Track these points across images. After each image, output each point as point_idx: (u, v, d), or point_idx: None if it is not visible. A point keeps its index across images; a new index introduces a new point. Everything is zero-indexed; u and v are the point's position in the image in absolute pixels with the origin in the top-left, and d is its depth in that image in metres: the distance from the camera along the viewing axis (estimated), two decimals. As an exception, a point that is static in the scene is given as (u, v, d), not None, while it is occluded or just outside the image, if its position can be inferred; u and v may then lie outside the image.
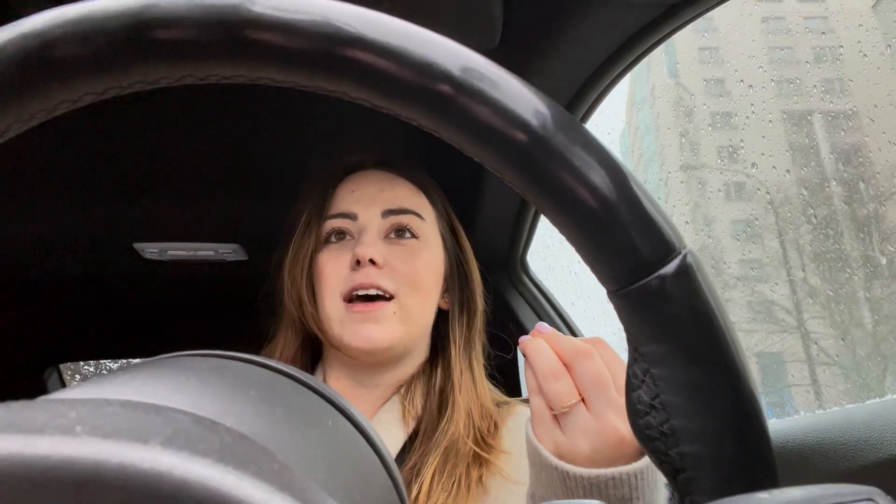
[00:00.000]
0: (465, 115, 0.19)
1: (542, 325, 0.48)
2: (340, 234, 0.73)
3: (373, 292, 0.69)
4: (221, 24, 0.18)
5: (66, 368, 1.74)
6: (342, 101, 0.20)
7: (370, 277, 0.68)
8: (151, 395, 0.17)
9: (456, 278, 0.77)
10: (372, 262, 0.69)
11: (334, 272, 0.70)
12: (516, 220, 1.12)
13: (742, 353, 0.19)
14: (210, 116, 0.92)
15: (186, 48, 0.19)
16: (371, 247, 0.69)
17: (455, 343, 0.74)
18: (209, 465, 0.11)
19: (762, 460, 0.19)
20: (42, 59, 0.18)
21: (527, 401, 0.75)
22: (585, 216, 0.19)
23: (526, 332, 1.28)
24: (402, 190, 0.76)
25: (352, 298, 0.69)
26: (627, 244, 0.19)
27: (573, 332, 1.20)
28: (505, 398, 0.75)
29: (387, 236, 0.73)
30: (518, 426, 0.70)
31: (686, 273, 0.19)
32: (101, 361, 1.81)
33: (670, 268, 0.19)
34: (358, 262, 0.69)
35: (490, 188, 1.04)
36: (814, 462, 0.66)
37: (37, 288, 1.37)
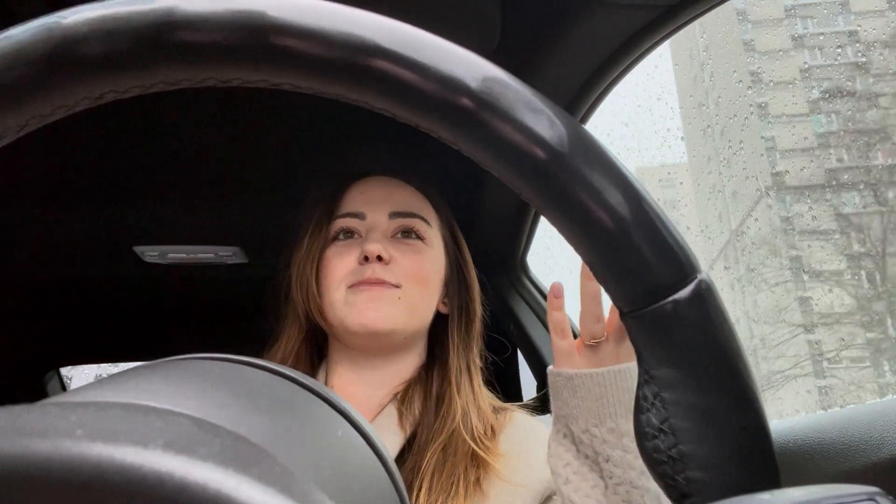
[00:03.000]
0: (485, 131, 0.19)
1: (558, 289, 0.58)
2: (349, 233, 0.76)
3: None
4: (247, 29, 0.18)
5: (67, 372, 1.74)
6: (342, 106, 0.20)
7: (376, 273, 0.71)
8: (152, 398, 0.17)
9: (456, 283, 0.79)
10: (379, 258, 0.71)
11: (341, 266, 0.73)
12: (516, 221, 1.12)
13: (753, 380, 0.19)
14: (210, 119, 0.92)
15: (211, 51, 0.19)
16: (379, 244, 0.72)
17: (454, 344, 0.76)
18: (210, 469, 0.11)
19: (769, 487, 0.18)
20: (67, 55, 0.18)
21: (525, 406, 0.76)
22: (602, 237, 0.19)
23: (526, 334, 1.27)
24: (409, 195, 0.79)
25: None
26: (643, 266, 0.19)
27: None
28: (502, 404, 0.76)
29: (393, 236, 0.76)
30: (516, 434, 0.70)
31: (701, 298, 0.19)
32: (102, 365, 1.81)
33: (685, 292, 0.19)
34: (366, 258, 0.71)
35: (490, 190, 1.04)
36: (815, 462, 0.66)
37: (37, 291, 1.37)
